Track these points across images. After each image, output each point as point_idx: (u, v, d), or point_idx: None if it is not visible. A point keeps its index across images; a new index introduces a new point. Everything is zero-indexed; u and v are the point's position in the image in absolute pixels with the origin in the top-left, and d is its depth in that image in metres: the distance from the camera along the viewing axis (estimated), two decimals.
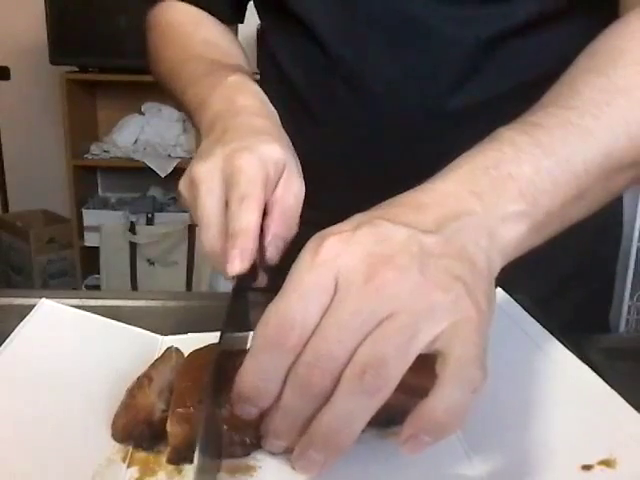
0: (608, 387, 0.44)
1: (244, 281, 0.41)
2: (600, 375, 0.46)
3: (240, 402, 0.33)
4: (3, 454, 0.37)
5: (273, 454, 0.38)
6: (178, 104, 0.61)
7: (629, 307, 2.13)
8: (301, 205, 0.45)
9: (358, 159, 0.63)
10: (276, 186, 0.44)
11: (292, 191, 0.44)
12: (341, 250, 0.32)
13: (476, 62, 0.57)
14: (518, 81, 0.59)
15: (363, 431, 0.36)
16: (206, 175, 0.43)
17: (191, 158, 2.33)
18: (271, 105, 0.50)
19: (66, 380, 0.44)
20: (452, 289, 0.32)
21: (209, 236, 0.43)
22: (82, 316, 0.53)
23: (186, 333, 0.53)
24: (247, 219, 0.41)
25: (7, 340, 0.47)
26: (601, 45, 0.48)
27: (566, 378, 0.46)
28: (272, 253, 0.42)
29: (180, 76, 0.59)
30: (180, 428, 0.37)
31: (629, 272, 2.04)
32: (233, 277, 0.41)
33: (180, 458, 0.37)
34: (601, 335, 0.61)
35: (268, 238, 0.42)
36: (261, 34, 0.70)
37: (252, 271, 0.41)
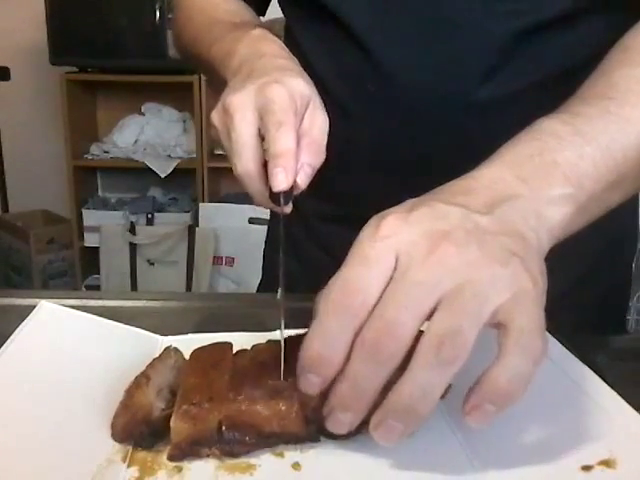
0: (608, 387, 0.45)
1: (284, 199, 0.44)
2: (601, 375, 0.46)
3: (305, 372, 0.35)
4: (3, 455, 0.37)
5: (333, 437, 0.38)
6: (203, 67, 0.64)
7: (630, 308, 2.14)
8: (326, 136, 0.47)
9: (385, 152, 0.63)
10: (302, 118, 0.46)
11: (318, 123, 0.47)
12: (401, 227, 0.34)
13: (506, 54, 0.58)
14: (547, 74, 0.59)
15: (362, 433, 0.36)
16: (240, 104, 0.46)
17: (191, 158, 2.32)
18: (292, 55, 0.53)
19: (66, 381, 0.44)
20: (510, 263, 0.34)
21: (244, 159, 0.45)
22: (81, 317, 0.53)
23: (186, 333, 0.53)
24: (287, 142, 0.43)
25: (7, 342, 0.47)
26: (632, 39, 0.49)
27: (566, 378, 0.46)
28: (302, 179, 0.44)
29: (206, 37, 0.63)
30: (184, 425, 0.37)
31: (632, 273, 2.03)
32: (273, 196, 0.44)
33: (182, 455, 0.37)
34: (604, 336, 0.60)
35: (298, 165, 0.44)
36: (286, 26, 0.71)
37: (289, 193, 0.44)
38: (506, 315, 0.33)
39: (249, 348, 0.43)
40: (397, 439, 0.34)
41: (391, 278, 0.33)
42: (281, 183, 0.42)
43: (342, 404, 0.35)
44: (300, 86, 0.46)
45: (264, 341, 0.44)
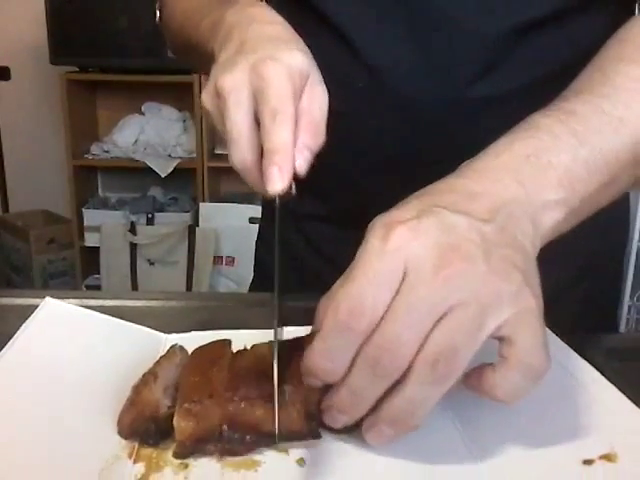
0: (608, 382, 0.45)
1: (281, 197, 0.40)
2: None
3: (307, 376, 0.36)
4: (10, 451, 0.37)
5: (333, 430, 0.38)
6: (193, 53, 0.60)
7: (629, 307, 2.13)
8: (326, 113, 0.44)
9: (376, 151, 0.63)
10: (301, 96, 0.43)
11: (317, 100, 0.43)
12: (410, 238, 0.34)
13: (498, 53, 0.57)
14: (540, 73, 0.59)
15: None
16: (233, 87, 0.42)
17: (191, 158, 2.30)
18: (283, 19, 0.49)
19: (72, 377, 0.45)
20: (514, 279, 0.34)
21: (239, 150, 0.42)
22: (86, 314, 0.53)
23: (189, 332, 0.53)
24: (283, 135, 0.40)
25: (12, 339, 0.47)
26: (629, 33, 0.49)
27: (566, 373, 0.46)
28: (300, 164, 0.41)
29: (193, 19, 0.59)
30: (187, 423, 0.37)
31: (629, 272, 2.03)
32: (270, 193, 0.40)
33: (187, 453, 0.37)
34: (601, 335, 0.60)
35: (296, 148, 0.41)
36: None
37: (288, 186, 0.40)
38: (510, 331, 0.34)
39: (249, 347, 0.43)
40: (387, 442, 0.36)
41: (397, 290, 0.33)
42: (276, 184, 0.39)
43: (340, 407, 0.36)
44: (298, 60, 0.43)
45: (266, 339, 0.44)
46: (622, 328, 2.12)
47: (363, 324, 0.33)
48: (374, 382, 0.34)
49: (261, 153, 0.41)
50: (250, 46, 0.44)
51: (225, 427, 0.37)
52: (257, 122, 0.42)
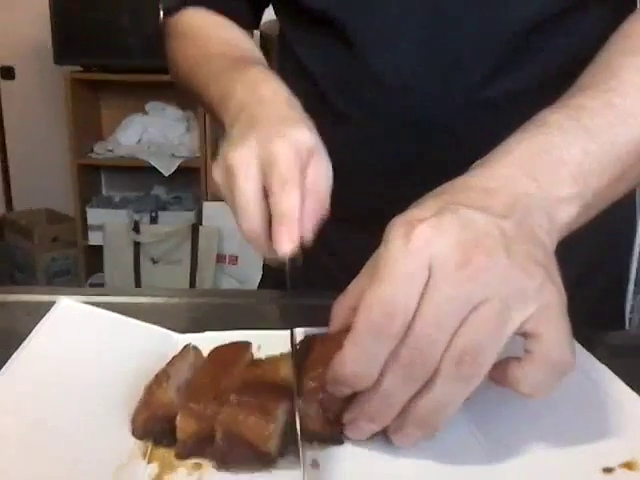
0: (628, 388, 0.44)
1: (291, 262, 0.42)
2: None
3: (337, 385, 0.36)
4: (25, 451, 0.37)
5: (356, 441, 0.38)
6: (198, 102, 0.63)
7: (632, 306, 2.13)
8: (331, 187, 0.46)
9: (385, 154, 0.63)
10: (307, 170, 0.45)
11: (322, 175, 0.45)
12: (432, 236, 0.34)
13: (509, 53, 0.57)
14: (551, 73, 0.59)
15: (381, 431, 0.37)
16: (243, 162, 0.44)
17: (195, 157, 2.29)
18: (293, 95, 0.51)
19: (86, 377, 0.45)
20: (537, 274, 0.34)
21: (248, 217, 0.43)
22: (100, 314, 0.53)
23: (194, 330, 0.53)
24: (291, 201, 0.42)
25: (27, 339, 0.47)
26: (633, 27, 0.49)
27: (586, 379, 0.46)
28: (306, 232, 0.43)
29: (201, 73, 0.60)
30: (189, 423, 0.37)
31: (632, 271, 2.03)
32: (278, 258, 0.42)
33: (187, 453, 0.37)
34: (604, 333, 0.61)
35: (302, 220, 0.43)
36: (281, 34, 0.70)
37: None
38: (534, 326, 0.34)
39: (263, 356, 0.43)
40: (414, 443, 0.36)
41: (424, 289, 0.33)
42: (285, 246, 0.41)
43: (369, 416, 0.36)
44: (304, 137, 0.45)
45: (279, 340, 0.43)
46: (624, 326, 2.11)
47: (397, 326, 0.33)
48: (406, 385, 0.34)
49: (269, 222, 0.43)
50: (259, 124, 0.46)
51: (218, 435, 0.36)
52: (265, 194, 0.43)
